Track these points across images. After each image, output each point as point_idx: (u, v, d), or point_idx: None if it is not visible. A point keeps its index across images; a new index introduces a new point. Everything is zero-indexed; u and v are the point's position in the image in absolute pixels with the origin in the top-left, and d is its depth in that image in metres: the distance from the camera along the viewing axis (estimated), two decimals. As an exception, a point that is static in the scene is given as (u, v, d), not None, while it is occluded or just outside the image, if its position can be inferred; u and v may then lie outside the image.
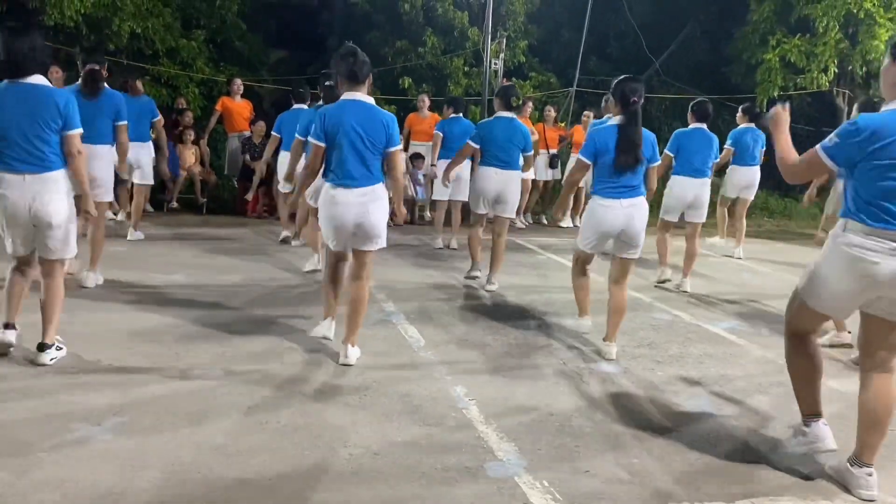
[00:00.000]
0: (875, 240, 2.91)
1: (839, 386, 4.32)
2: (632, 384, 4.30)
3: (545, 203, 11.58)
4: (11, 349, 4.03)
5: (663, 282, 6.98)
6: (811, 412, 3.29)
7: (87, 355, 4.17)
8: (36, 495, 2.69)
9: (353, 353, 4.34)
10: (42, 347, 3.99)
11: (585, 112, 10.83)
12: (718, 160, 7.24)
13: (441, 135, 8.72)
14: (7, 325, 4.02)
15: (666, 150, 6.72)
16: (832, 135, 3.04)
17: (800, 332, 3.28)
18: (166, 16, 12.21)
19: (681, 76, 15.61)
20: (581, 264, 5.03)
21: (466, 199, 8.68)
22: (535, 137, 10.24)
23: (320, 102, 5.96)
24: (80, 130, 3.97)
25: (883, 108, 3.03)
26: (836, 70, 12.68)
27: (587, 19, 12.93)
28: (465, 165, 8.52)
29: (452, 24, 13.53)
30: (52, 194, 3.87)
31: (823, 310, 3.15)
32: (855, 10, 11.95)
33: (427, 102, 10.56)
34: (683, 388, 4.29)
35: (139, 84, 7.61)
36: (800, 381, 3.31)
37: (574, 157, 9.36)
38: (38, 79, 3.86)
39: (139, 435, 3.23)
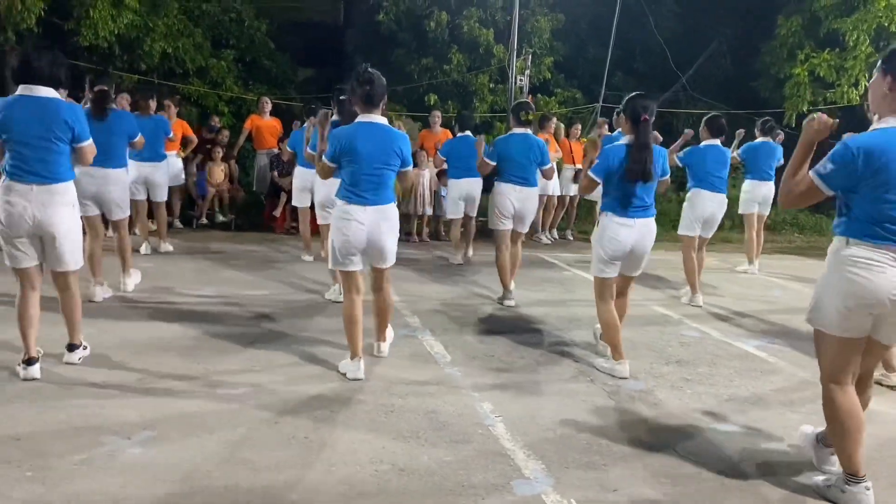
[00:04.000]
0: (881, 252, 2.89)
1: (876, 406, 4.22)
2: (660, 401, 4.25)
3: (570, 219, 11.55)
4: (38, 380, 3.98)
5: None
6: (851, 472, 3.07)
7: (117, 368, 4.22)
8: (67, 508, 2.72)
9: (385, 347, 4.68)
10: (71, 348, 4.18)
11: (600, 119, 10.81)
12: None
13: (443, 159, 8.79)
14: (30, 361, 3.96)
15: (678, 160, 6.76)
16: (825, 160, 2.96)
17: (836, 378, 3.09)
18: (197, 36, 12.44)
19: (708, 91, 15.52)
20: (607, 295, 4.72)
21: (475, 214, 8.78)
22: (559, 155, 10.26)
23: (334, 118, 6.02)
24: (90, 141, 4.06)
25: (872, 127, 2.98)
26: (867, 84, 12.51)
27: (613, 35, 12.93)
28: (477, 183, 8.55)
29: (478, 42, 13.60)
30: (58, 206, 3.92)
31: (838, 330, 3.01)
32: (886, 24, 11.81)
33: (439, 118, 10.67)
34: (713, 406, 4.23)
35: (151, 103, 7.66)
36: (837, 435, 3.12)
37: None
38: (49, 92, 3.92)
39: (168, 448, 3.26)
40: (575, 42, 15.61)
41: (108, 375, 4.12)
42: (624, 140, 4.63)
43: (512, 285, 6.55)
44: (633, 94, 4.70)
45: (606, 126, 9.82)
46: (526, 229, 6.67)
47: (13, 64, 3.92)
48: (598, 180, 4.60)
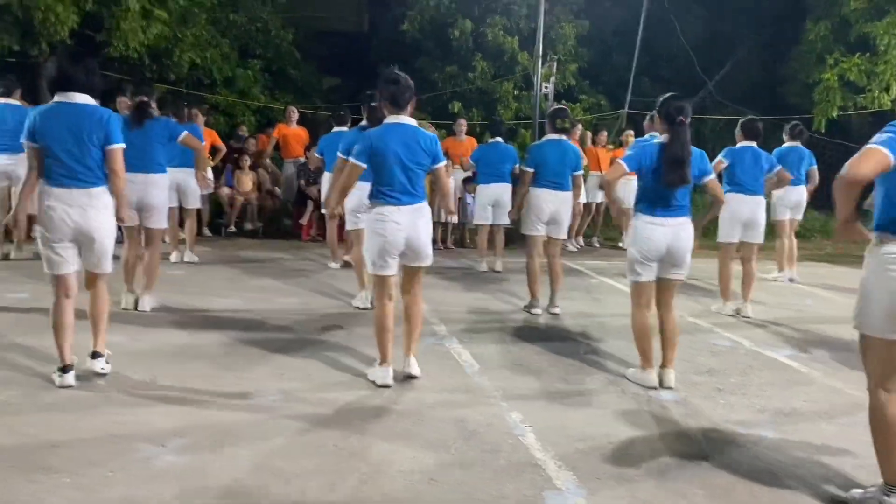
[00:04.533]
0: None
1: None
2: (692, 412, 4.21)
3: (596, 227, 11.50)
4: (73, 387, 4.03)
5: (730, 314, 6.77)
6: (894, 482, 3.04)
7: (149, 376, 4.26)
8: (103, 515, 2.76)
9: (415, 363, 4.46)
10: (95, 355, 4.15)
11: (627, 131, 10.77)
12: (775, 178, 6.95)
13: (474, 164, 8.78)
14: (65, 368, 4.02)
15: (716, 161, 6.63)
16: (881, 133, 2.88)
17: (885, 384, 3.01)
18: (224, 46, 12.59)
19: (735, 97, 15.40)
20: (643, 300, 4.64)
21: (508, 223, 8.74)
22: (585, 161, 10.22)
23: (364, 123, 6.07)
24: (121, 145, 4.07)
25: None
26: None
27: (638, 41, 12.88)
28: (506, 188, 8.55)
29: (502, 49, 13.62)
30: (97, 209, 4.00)
31: (885, 333, 2.96)
32: (919, 28, 11.67)
33: (465, 126, 10.68)
34: (746, 417, 4.18)
35: (188, 112, 7.81)
36: (883, 444, 3.06)
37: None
38: (85, 98, 4.00)
39: (201, 456, 3.29)
40: (600, 48, 15.57)
41: (140, 383, 4.17)
42: (660, 139, 4.58)
43: (556, 301, 6.49)
44: (668, 94, 4.65)
45: (633, 135, 9.77)
46: (562, 235, 6.62)
47: (49, 73, 4.00)
48: (627, 169, 4.54)
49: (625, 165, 4.55)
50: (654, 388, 4.54)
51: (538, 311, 6.46)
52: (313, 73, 14.99)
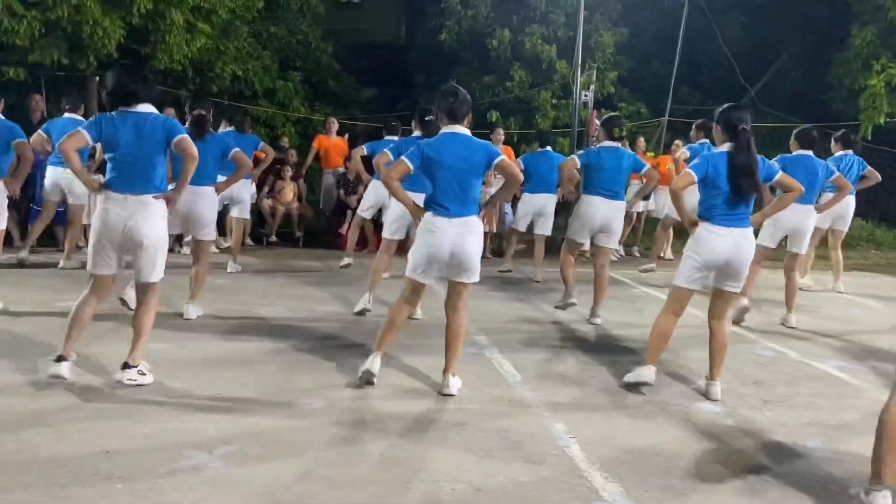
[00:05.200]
0: None
1: None
2: (739, 425, 4.14)
3: (637, 236, 11.40)
4: (65, 379, 4.09)
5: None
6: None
7: (195, 384, 4.32)
8: (155, 520, 2.80)
9: (455, 384, 4.40)
10: (125, 366, 4.16)
11: (676, 142, 10.65)
12: (835, 180, 6.76)
13: (522, 166, 8.69)
14: (60, 358, 4.09)
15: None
16: None
17: None
18: (265, 58, 12.78)
19: (777, 104, 15.17)
20: (678, 307, 4.62)
21: (549, 234, 8.70)
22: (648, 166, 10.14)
23: (417, 134, 6.16)
24: (184, 135, 4.17)
25: None
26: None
27: (679, 48, 12.76)
28: (551, 199, 8.52)
29: (540, 58, 13.60)
30: (150, 216, 4.09)
31: None
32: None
33: (502, 136, 10.68)
34: (794, 429, 4.10)
35: (247, 123, 8.03)
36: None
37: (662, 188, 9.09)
38: (146, 107, 4.12)
39: (248, 463, 3.32)
40: (639, 56, 15.48)
41: (187, 390, 4.22)
42: (722, 148, 4.54)
43: (598, 311, 6.46)
44: (726, 105, 4.66)
45: (682, 145, 9.64)
46: (613, 244, 6.60)
47: (110, 86, 4.11)
48: (696, 177, 4.48)
49: (693, 174, 4.50)
50: (649, 385, 4.52)
51: (573, 301, 6.45)
52: (352, 85, 15.15)
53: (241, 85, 12.45)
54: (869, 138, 12.78)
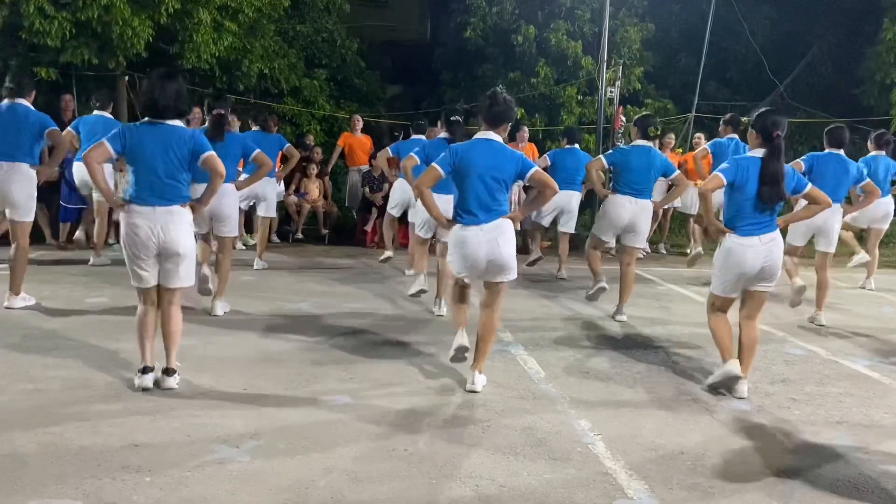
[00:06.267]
0: None
1: None
2: (767, 423, 4.09)
3: (664, 233, 11.31)
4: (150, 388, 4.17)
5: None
6: None
7: (223, 379, 4.38)
8: (183, 513, 2.85)
9: (480, 380, 4.42)
10: (169, 372, 4.21)
11: (697, 135, 10.55)
12: (865, 186, 6.62)
13: (549, 162, 8.64)
14: (145, 370, 4.16)
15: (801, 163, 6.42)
16: None
17: None
18: (291, 56, 12.86)
19: (806, 99, 14.93)
20: (722, 311, 4.65)
21: (573, 231, 8.67)
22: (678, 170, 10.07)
23: (443, 135, 6.19)
24: (212, 152, 4.20)
25: None
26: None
27: (706, 44, 12.61)
28: (575, 196, 8.47)
29: (565, 54, 13.52)
30: (178, 225, 4.12)
31: None
32: None
33: (527, 133, 10.67)
34: (823, 428, 4.05)
35: (272, 122, 8.08)
36: None
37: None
38: (174, 121, 4.14)
39: (274, 458, 3.35)
40: (666, 51, 15.32)
41: (214, 386, 4.28)
42: (754, 153, 4.50)
43: (623, 309, 6.47)
44: (764, 109, 4.62)
45: (703, 138, 9.58)
46: (639, 244, 6.58)
47: (145, 98, 4.14)
48: (725, 181, 4.44)
49: (722, 177, 4.46)
50: (738, 377, 4.43)
51: (604, 286, 6.44)
52: (377, 82, 15.18)
53: (268, 83, 12.53)
54: (902, 133, 12.54)
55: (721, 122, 8.40)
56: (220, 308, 5.96)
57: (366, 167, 10.72)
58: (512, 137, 10.98)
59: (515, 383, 4.60)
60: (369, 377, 4.57)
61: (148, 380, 4.15)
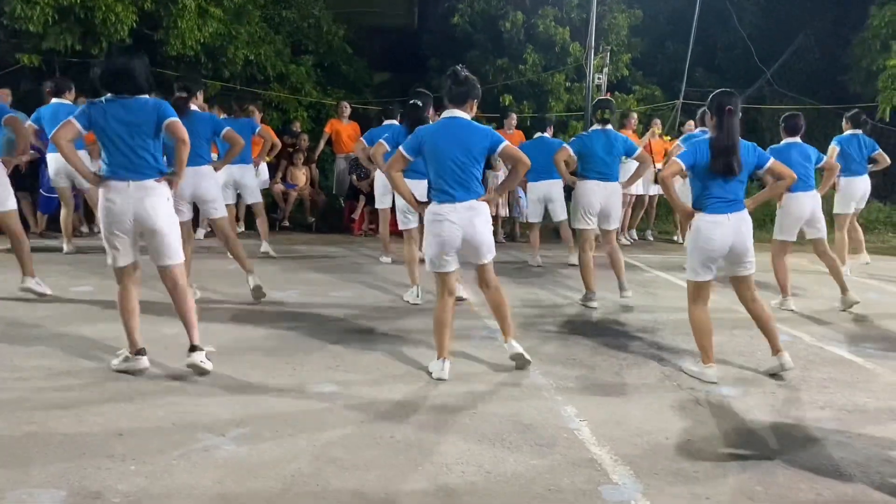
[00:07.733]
0: None
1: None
2: (751, 408, 4.12)
3: (650, 220, 11.34)
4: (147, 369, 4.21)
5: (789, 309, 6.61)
6: None
7: (208, 367, 4.34)
8: (168, 500, 2.83)
9: (518, 346, 4.58)
10: (194, 349, 4.21)
11: (688, 123, 10.58)
12: (824, 165, 6.68)
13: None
14: (140, 352, 4.18)
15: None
16: None
17: None
18: (277, 42, 12.74)
19: (794, 86, 14.99)
20: (702, 299, 4.61)
21: (565, 218, 8.66)
22: (641, 148, 10.08)
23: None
24: (176, 118, 4.15)
25: None
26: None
27: (693, 30, 12.61)
28: (556, 185, 8.44)
29: (553, 41, 13.49)
30: (154, 199, 4.09)
31: None
32: None
33: (515, 120, 10.68)
34: (807, 413, 4.07)
35: (238, 107, 8.03)
36: None
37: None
38: (137, 92, 4.08)
39: (260, 446, 3.35)
40: (653, 38, 15.31)
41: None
42: (708, 135, 4.56)
43: (625, 285, 6.58)
44: (717, 91, 4.63)
45: (693, 125, 9.60)
46: (614, 226, 6.63)
47: (101, 72, 4.07)
48: (683, 166, 4.48)
49: (680, 162, 4.49)
50: (713, 383, 4.45)
51: (594, 303, 6.42)
52: (364, 69, 15.07)
53: (254, 69, 12.42)
54: (887, 120, 12.60)
55: (698, 114, 8.43)
56: (252, 281, 6.07)
57: (353, 154, 10.65)
58: (500, 125, 10.97)
59: (503, 371, 4.60)
60: (356, 365, 4.57)
61: (144, 361, 4.16)
